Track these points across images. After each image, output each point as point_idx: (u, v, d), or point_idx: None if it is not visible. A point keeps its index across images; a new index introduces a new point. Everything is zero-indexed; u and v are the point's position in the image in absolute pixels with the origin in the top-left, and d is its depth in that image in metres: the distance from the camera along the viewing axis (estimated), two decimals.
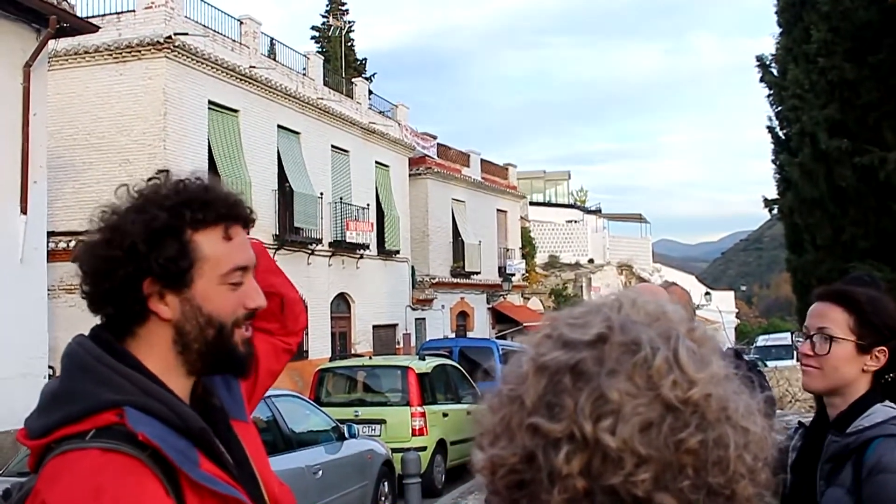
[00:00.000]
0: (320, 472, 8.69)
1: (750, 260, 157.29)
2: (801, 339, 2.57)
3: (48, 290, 13.50)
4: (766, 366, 21.88)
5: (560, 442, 0.88)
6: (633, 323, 0.94)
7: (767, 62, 16.69)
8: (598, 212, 61.85)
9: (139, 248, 1.48)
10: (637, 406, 0.88)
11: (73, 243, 17.63)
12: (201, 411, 1.54)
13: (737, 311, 63.18)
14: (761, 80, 16.58)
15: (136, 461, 1.37)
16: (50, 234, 13.58)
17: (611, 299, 0.99)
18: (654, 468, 0.87)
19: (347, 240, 26.20)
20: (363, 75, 37.85)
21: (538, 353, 0.95)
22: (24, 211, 12.67)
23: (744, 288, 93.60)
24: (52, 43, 13.99)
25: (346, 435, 9.77)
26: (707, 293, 47.37)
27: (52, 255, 14.16)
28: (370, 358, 16.51)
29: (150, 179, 1.58)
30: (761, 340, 31.03)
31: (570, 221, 55.87)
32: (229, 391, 1.68)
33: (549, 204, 58.88)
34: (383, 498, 10.56)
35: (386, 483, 10.64)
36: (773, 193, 16.97)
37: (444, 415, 13.45)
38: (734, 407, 0.92)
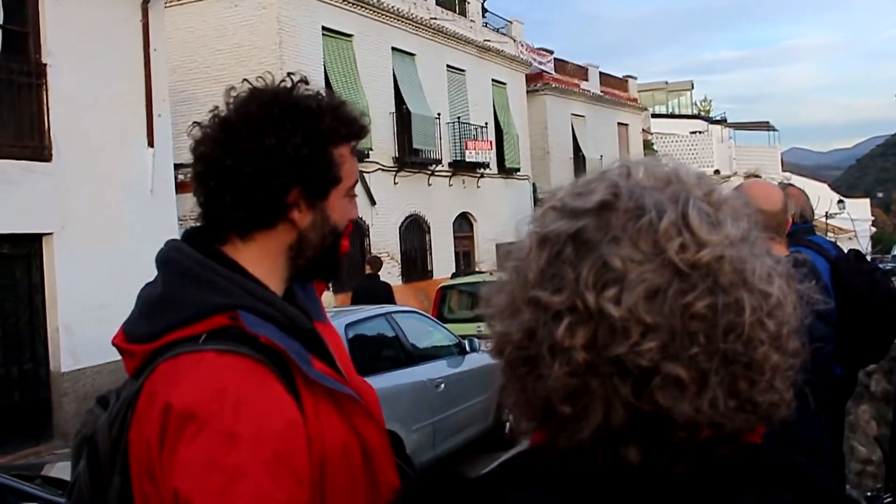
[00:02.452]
0: (443, 385, 8.84)
1: (888, 166, 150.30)
2: None
3: (178, 220, 14.00)
4: None
5: (561, 314, 0.85)
6: (642, 188, 0.89)
7: None
8: (723, 122, 59.96)
9: (304, 159, 1.50)
10: (643, 273, 0.84)
11: None
12: None
13: (873, 218, 60.69)
14: None
15: (255, 362, 1.39)
16: (177, 166, 14.01)
17: (617, 165, 0.94)
18: (662, 336, 0.83)
19: (467, 159, 26.13)
20: None
21: (541, 224, 0.92)
22: (150, 144, 13.10)
23: (881, 195, 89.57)
24: None
25: (468, 349, 9.88)
26: (840, 201, 45.49)
27: (181, 187, 14.63)
28: (491, 274, 16.56)
29: (281, 83, 1.59)
30: None
31: (695, 132, 54.35)
32: (305, 293, 1.69)
33: (671, 115, 57.36)
34: (506, 410, 10.65)
35: None
36: None
37: None
38: (751, 269, 0.86)
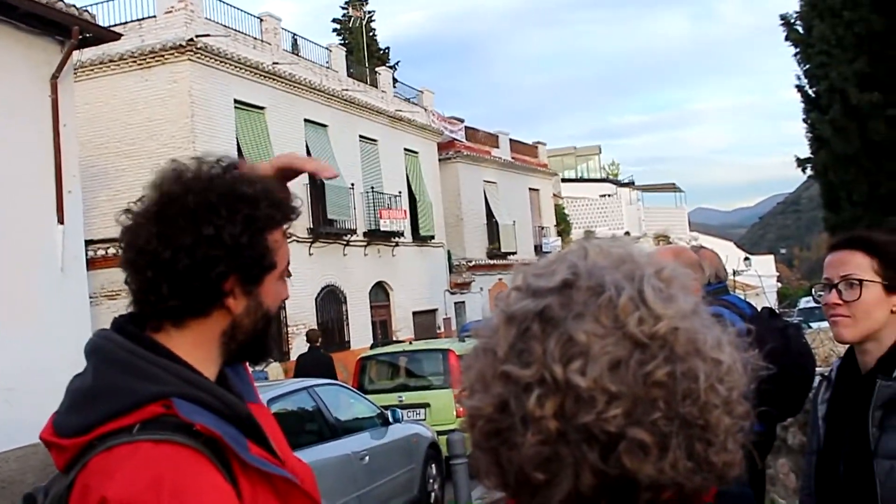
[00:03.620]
0: (367, 458, 8.76)
1: (788, 223, 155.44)
2: (822, 293, 2.53)
3: (90, 297, 13.69)
4: (810, 328, 21.53)
5: (531, 386, 0.90)
6: (600, 268, 0.95)
7: (792, 20, 16.48)
8: (631, 184, 61.35)
9: (241, 247, 1.49)
10: (605, 346, 0.90)
11: (111, 250, 17.89)
12: None
13: (778, 274, 62.52)
14: (787, 38, 16.39)
15: (191, 450, 1.37)
16: (88, 242, 13.74)
17: (576, 247, 1.01)
18: (625, 404, 0.88)
19: (381, 228, 26.26)
20: (387, 64, 37.84)
21: (507, 304, 0.98)
22: (60, 221, 12.82)
23: (784, 251, 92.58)
24: (76, 54, 14.09)
25: (391, 420, 9.84)
26: (746, 258, 46.85)
27: (92, 263, 14.40)
28: (410, 343, 16.57)
29: (211, 168, 1.55)
30: (804, 303, 30.58)
31: (604, 196, 55.53)
32: (237, 375, 1.68)
33: (581, 179, 58.58)
34: (431, 480, 10.60)
35: (433, 465, 10.69)
36: (806, 153, 16.80)
37: None
38: (703, 339, 0.93)
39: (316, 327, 16.80)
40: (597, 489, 0.90)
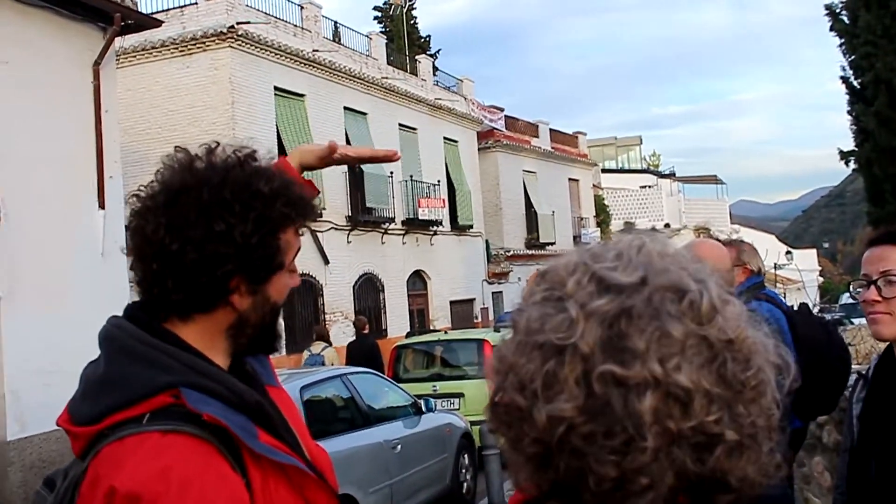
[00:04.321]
0: (399, 447, 8.77)
1: (832, 216, 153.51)
2: (860, 289, 2.47)
3: (130, 282, 13.82)
4: (851, 323, 21.24)
5: (640, 387, 0.86)
6: (668, 266, 0.93)
7: (837, 10, 16.22)
8: (671, 175, 60.95)
9: (251, 247, 1.47)
10: (691, 346, 0.88)
11: None
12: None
13: (820, 269, 61.86)
14: (831, 28, 16.13)
15: (199, 440, 1.37)
16: (129, 228, 13.84)
17: (628, 243, 0.97)
18: (723, 405, 0.88)
19: (420, 217, 26.27)
20: (427, 52, 37.80)
21: (582, 299, 0.91)
22: (101, 206, 12.95)
23: (827, 245, 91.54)
24: (118, 40, 14.18)
25: (424, 409, 9.84)
26: (788, 252, 46.34)
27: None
28: (446, 332, 16.57)
29: (228, 157, 1.53)
30: (845, 298, 30.18)
31: (644, 187, 55.18)
32: (257, 358, 1.68)
33: (621, 170, 58.27)
34: (464, 470, 10.60)
35: (466, 455, 10.69)
36: (851, 146, 16.55)
37: None
38: (764, 343, 0.94)
39: (361, 315, 17.43)
40: (676, 490, 0.89)
